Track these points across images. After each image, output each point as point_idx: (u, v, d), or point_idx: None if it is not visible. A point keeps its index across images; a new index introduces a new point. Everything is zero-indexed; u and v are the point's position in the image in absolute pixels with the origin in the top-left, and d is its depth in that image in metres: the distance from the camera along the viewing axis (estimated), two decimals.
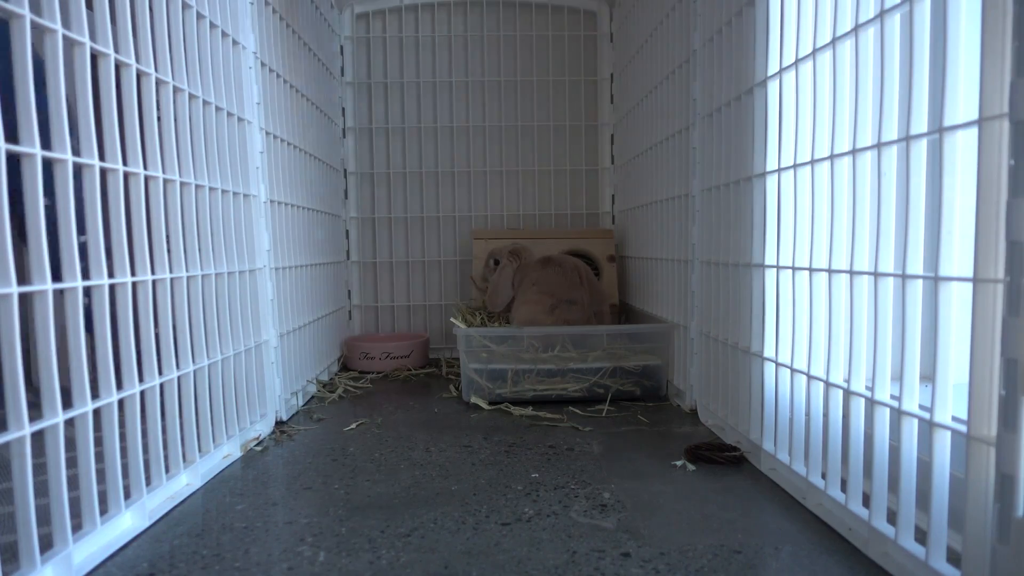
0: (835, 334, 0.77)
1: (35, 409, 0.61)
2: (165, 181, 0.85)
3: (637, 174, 1.65)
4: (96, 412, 0.70)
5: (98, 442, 0.70)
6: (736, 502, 0.83)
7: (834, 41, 0.76)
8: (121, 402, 0.74)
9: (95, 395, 0.70)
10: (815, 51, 0.81)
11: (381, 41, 1.90)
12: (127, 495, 0.75)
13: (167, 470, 0.84)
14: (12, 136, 0.59)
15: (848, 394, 0.73)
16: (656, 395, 1.36)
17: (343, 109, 1.89)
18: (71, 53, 0.69)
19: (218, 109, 1.00)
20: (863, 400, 0.72)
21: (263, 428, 1.13)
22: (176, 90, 0.89)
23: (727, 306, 1.08)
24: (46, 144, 0.64)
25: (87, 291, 0.70)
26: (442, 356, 1.90)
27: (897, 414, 0.65)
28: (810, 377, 0.82)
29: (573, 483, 0.89)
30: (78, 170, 0.69)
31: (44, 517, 0.62)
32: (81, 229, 0.68)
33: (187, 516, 0.80)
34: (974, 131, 0.55)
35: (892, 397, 0.67)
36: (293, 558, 0.69)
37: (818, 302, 0.82)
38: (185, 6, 0.91)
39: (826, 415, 0.78)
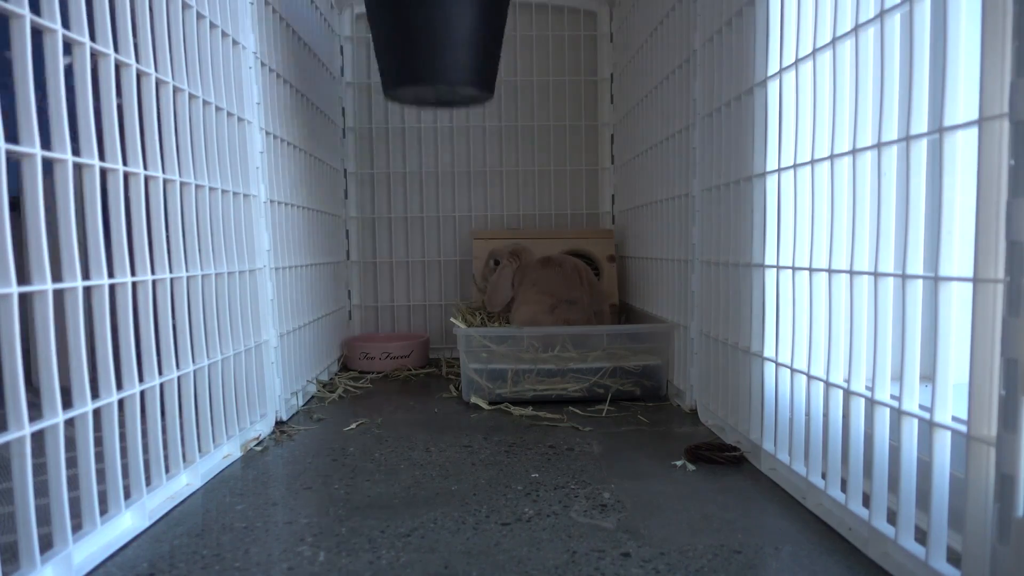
0: (835, 334, 0.77)
1: (35, 409, 0.61)
2: (165, 181, 0.85)
3: (637, 174, 1.65)
4: (96, 412, 0.70)
5: (98, 442, 0.70)
6: (736, 502, 0.83)
7: (834, 41, 0.76)
8: (121, 402, 0.74)
9: (95, 395, 0.70)
10: (815, 51, 0.81)
11: None
12: (127, 495, 0.75)
13: (167, 470, 0.84)
14: (12, 136, 0.59)
15: (848, 394, 0.73)
16: (656, 395, 1.36)
17: (343, 109, 1.89)
18: (71, 53, 0.69)
19: (218, 109, 1.00)
20: (863, 400, 0.72)
21: (263, 428, 1.13)
22: (176, 90, 0.89)
23: (727, 306, 1.08)
24: (46, 144, 0.64)
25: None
26: (442, 356, 1.90)
27: (897, 414, 0.65)
28: (810, 377, 0.82)
29: (573, 483, 0.90)
30: (78, 170, 0.69)
31: (44, 517, 0.62)
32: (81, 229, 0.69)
33: (187, 516, 0.80)
34: (974, 131, 0.55)
35: (892, 397, 0.67)
36: (293, 558, 0.69)
37: (818, 302, 0.82)
38: (185, 6, 0.91)
39: (826, 415, 0.78)
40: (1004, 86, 0.52)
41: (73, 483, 0.67)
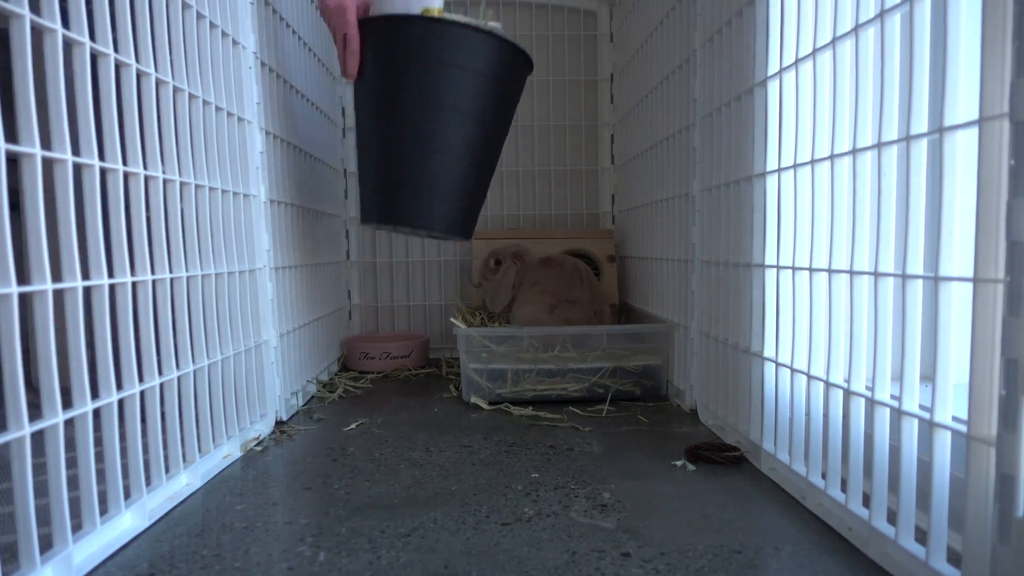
0: (835, 334, 0.77)
1: (35, 409, 0.61)
2: (165, 181, 0.85)
3: (637, 174, 1.65)
4: (96, 412, 0.70)
5: (98, 442, 0.70)
6: (736, 502, 0.83)
7: (834, 41, 0.76)
8: (121, 402, 0.74)
9: (95, 395, 0.70)
10: (815, 51, 0.81)
11: None
12: (127, 495, 0.75)
13: (167, 470, 0.84)
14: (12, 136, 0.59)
15: (848, 394, 0.73)
16: (656, 395, 1.36)
17: (343, 109, 1.88)
18: (71, 53, 0.69)
19: (218, 109, 1.00)
20: (863, 400, 0.72)
21: (263, 428, 1.13)
22: (176, 90, 0.89)
23: (727, 306, 1.08)
24: (46, 144, 0.64)
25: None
26: (442, 356, 1.90)
27: (897, 414, 0.65)
28: (810, 377, 0.82)
29: (573, 483, 0.90)
30: (78, 170, 0.69)
31: (44, 517, 0.62)
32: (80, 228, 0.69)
33: (187, 516, 0.80)
34: (974, 131, 0.55)
35: (892, 397, 0.67)
36: (293, 558, 0.69)
37: (818, 302, 0.82)
38: (185, 6, 0.91)
39: (826, 415, 0.78)
40: (1004, 86, 0.52)
41: (73, 483, 0.67)
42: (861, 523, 0.70)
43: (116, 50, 0.76)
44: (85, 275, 0.70)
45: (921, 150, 0.63)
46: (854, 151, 0.73)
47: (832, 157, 0.77)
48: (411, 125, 1.20)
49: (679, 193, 1.29)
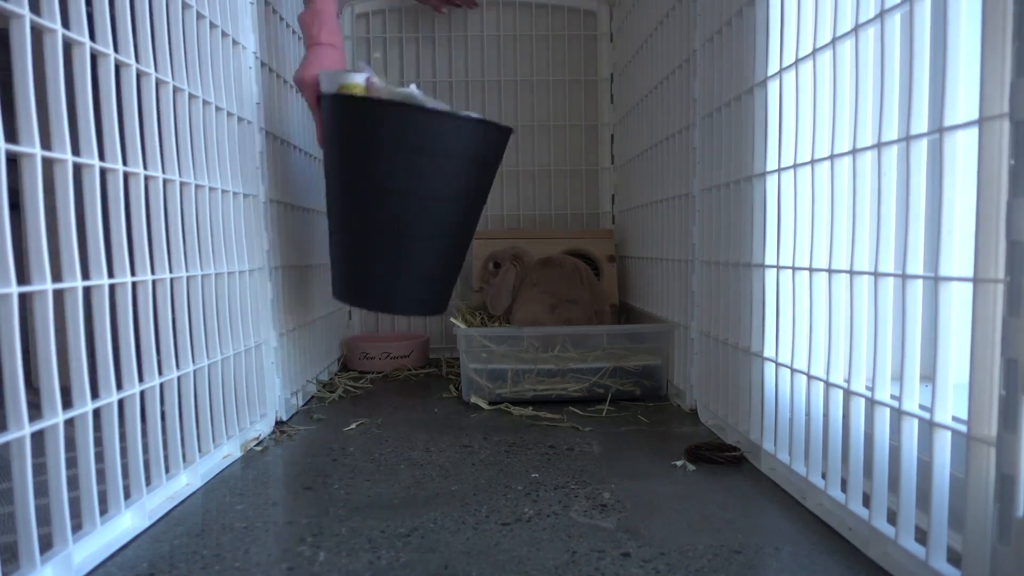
0: (835, 334, 0.77)
1: (35, 409, 0.61)
2: (165, 181, 0.85)
3: (637, 174, 1.65)
4: (96, 412, 0.70)
5: (98, 442, 0.70)
6: (736, 502, 0.83)
7: (834, 41, 0.76)
8: (121, 402, 0.74)
9: (95, 395, 0.70)
10: (815, 51, 0.81)
11: (381, 41, 1.90)
12: (127, 495, 0.75)
13: (167, 470, 0.84)
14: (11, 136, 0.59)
15: (848, 394, 0.73)
16: (656, 395, 1.36)
17: None
18: (71, 53, 0.69)
19: (218, 109, 1.00)
20: (863, 400, 0.72)
21: (263, 428, 1.13)
22: (176, 90, 0.89)
23: (727, 306, 1.08)
24: (46, 144, 0.64)
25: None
26: (442, 356, 1.90)
27: (897, 414, 0.65)
28: (810, 377, 0.82)
29: (573, 483, 0.90)
30: (78, 170, 0.69)
31: (44, 517, 0.62)
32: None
33: (187, 516, 0.80)
34: (974, 131, 0.55)
35: (892, 397, 0.67)
36: (293, 558, 0.69)
37: (818, 302, 0.82)
38: (185, 6, 0.91)
39: (826, 415, 0.78)
40: (1004, 86, 0.52)
41: (73, 483, 0.67)
42: (861, 523, 0.70)
43: (116, 50, 0.76)
44: (85, 275, 0.70)
45: (921, 150, 0.63)
46: (854, 151, 0.73)
47: (832, 157, 0.77)
48: (373, 208, 1.15)
49: (679, 193, 1.29)
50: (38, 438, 0.61)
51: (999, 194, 0.53)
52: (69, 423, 0.65)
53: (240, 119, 1.09)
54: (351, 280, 1.22)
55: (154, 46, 0.84)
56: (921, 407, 0.63)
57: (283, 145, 1.31)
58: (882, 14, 0.68)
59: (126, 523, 0.75)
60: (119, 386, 0.75)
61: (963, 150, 0.59)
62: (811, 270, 0.82)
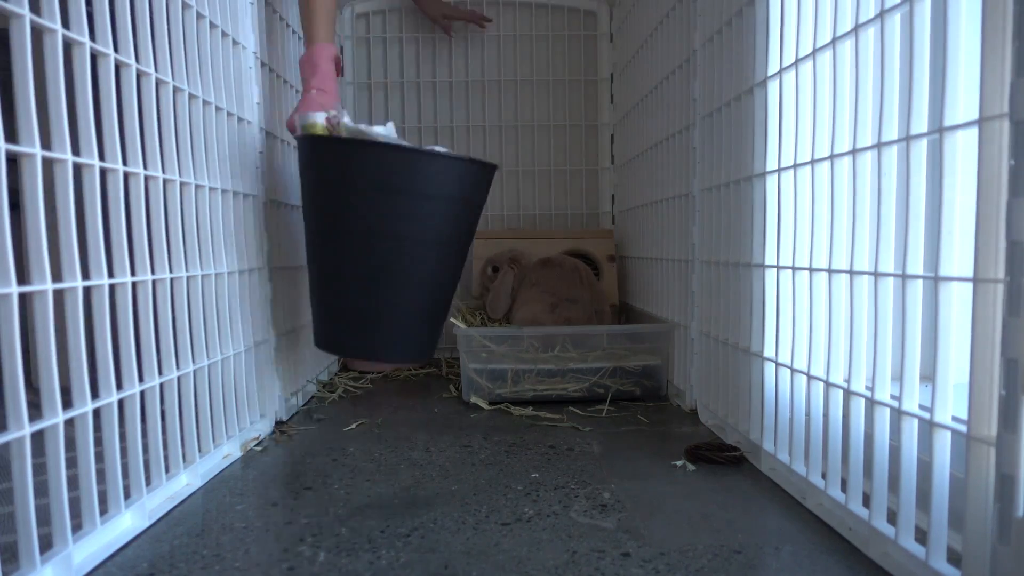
0: (835, 334, 0.77)
1: (35, 409, 0.61)
2: (165, 181, 0.85)
3: (637, 174, 1.65)
4: (96, 412, 0.70)
5: (98, 442, 0.70)
6: (736, 502, 0.83)
7: (834, 41, 0.76)
8: (121, 402, 0.74)
9: (95, 395, 0.70)
10: (815, 51, 0.81)
11: (381, 41, 1.90)
12: (127, 495, 0.75)
13: (167, 470, 0.84)
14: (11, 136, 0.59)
15: (848, 394, 0.73)
16: (656, 395, 1.36)
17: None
18: (71, 53, 0.69)
19: (218, 109, 1.00)
20: (863, 400, 0.72)
21: (263, 428, 1.13)
22: (176, 90, 0.88)
23: (727, 306, 1.08)
24: (46, 144, 0.64)
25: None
26: (442, 356, 1.89)
27: (897, 414, 0.65)
28: (810, 377, 0.82)
29: (573, 483, 0.90)
30: (78, 170, 0.69)
31: (44, 517, 0.62)
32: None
33: (187, 516, 0.80)
34: (974, 131, 0.55)
35: (892, 397, 0.67)
36: (293, 558, 0.69)
37: (818, 302, 0.82)
38: (185, 6, 0.91)
39: (826, 415, 0.78)
40: (1004, 86, 0.52)
41: (73, 483, 0.67)
42: (861, 523, 0.70)
43: (116, 50, 0.76)
44: (85, 275, 0.70)
45: (921, 150, 0.63)
46: (854, 151, 0.73)
47: (832, 157, 0.77)
48: (344, 252, 1.10)
49: (679, 193, 1.29)
50: (38, 438, 0.61)
51: (999, 194, 0.53)
52: (69, 423, 0.65)
53: (240, 119, 1.09)
54: (330, 328, 1.17)
55: (154, 46, 0.84)
56: (921, 407, 0.63)
57: (283, 145, 1.31)
58: (882, 14, 0.68)
59: (126, 523, 0.75)
60: (119, 386, 0.75)
61: (963, 150, 0.59)
62: (811, 270, 0.82)
